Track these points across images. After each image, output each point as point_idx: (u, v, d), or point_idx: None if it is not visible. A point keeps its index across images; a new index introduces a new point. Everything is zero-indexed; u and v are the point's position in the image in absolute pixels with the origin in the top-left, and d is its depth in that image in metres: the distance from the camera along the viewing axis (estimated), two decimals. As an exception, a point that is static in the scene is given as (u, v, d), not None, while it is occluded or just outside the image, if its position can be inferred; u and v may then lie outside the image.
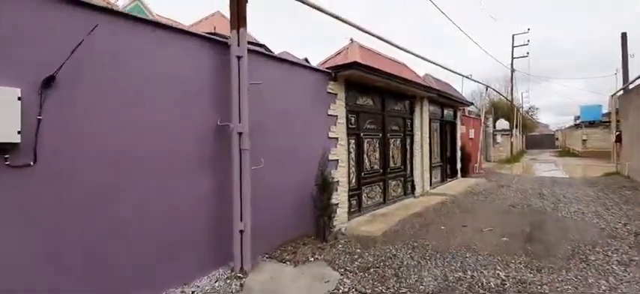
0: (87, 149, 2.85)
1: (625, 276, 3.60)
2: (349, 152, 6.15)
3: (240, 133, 3.82)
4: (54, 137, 2.70)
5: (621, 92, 13.37)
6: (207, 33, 4.14)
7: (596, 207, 6.95)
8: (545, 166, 18.56)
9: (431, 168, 9.44)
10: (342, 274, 3.77)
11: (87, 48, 2.84)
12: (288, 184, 4.76)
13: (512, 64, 26.48)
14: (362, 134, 6.54)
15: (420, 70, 11.35)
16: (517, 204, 7.38)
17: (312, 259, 4.24)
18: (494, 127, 25.25)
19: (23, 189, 2.54)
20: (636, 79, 11.20)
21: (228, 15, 7.92)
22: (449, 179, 11.14)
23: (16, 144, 2.49)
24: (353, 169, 6.28)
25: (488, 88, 18.64)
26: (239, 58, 3.86)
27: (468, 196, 8.44)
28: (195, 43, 3.68)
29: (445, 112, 10.99)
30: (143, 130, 3.20)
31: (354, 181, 6.30)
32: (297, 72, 4.99)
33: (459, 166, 12.13)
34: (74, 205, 2.78)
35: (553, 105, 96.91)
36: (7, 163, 2.47)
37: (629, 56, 13.30)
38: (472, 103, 13.17)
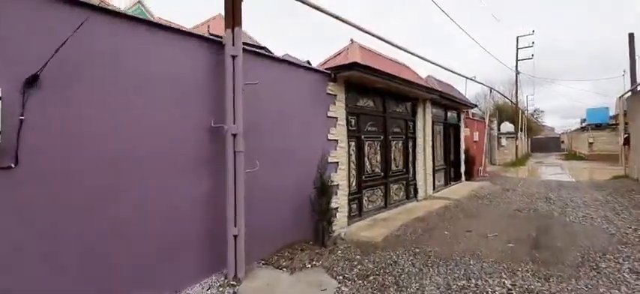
0: (74, 151, 2.75)
1: (637, 285, 3.40)
2: (349, 155, 6.00)
3: (234, 135, 3.69)
4: (39, 138, 2.59)
5: (629, 94, 13.09)
6: (207, 34, 4.04)
7: (605, 211, 6.73)
8: (551, 170, 18.26)
9: (434, 171, 9.25)
10: (340, 282, 3.61)
11: (78, 47, 2.75)
12: (285, 187, 4.63)
13: (516, 66, 26.22)
14: (363, 136, 6.39)
15: (422, 71, 11.21)
16: (523, 208, 7.18)
17: (310, 265, 4.08)
18: (499, 129, 24.94)
19: (3, 191, 2.43)
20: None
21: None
22: (452, 183, 10.93)
23: (-7, 145, 2.39)
24: (353, 172, 6.13)
25: (493, 90, 18.41)
26: (234, 57, 3.75)
27: (473, 200, 8.24)
28: (188, 42, 3.58)
29: (448, 114, 10.81)
30: (133, 131, 3.09)
31: (354, 184, 6.14)
32: (294, 72, 4.87)
33: (462, 169, 11.92)
34: (62, 208, 2.67)
35: (558, 108, 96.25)
36: (-17, 165, 2.36)
37: (637, 57, 13.02)
38: (476, 105, 12.98)
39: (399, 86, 6.68)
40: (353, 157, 6.11)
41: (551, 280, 3.56)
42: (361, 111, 6.35)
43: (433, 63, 8.84)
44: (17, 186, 2.49)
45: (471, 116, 15.92)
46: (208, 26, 6.23)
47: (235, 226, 3.65)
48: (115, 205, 2.95)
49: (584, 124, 29.70)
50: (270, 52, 5.44)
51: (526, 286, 3.42)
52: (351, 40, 7.05)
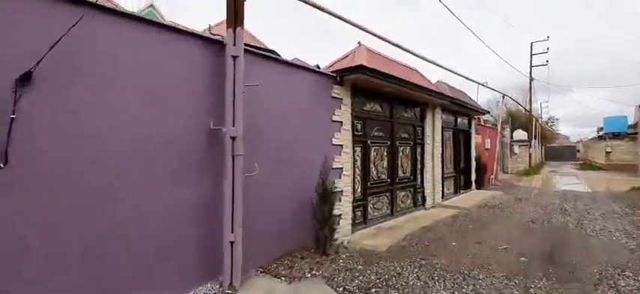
0: (66, 151, 2.66)
1: (663, 308, 3.14)
2: (355, 160, 5.83)
3: (233, 138, 3.57)
4: (31, 138, 2.52)
5: (650, 102, 12.55)
6: (208, 33, 3.96)
7: (624, 225, 6.39)
8: (566, 179, 17.67)
9: (443, 179, 8.99)
10: (339, 294, 3.44)
11: (73, 45, 2.68)
12: (286, 192, 4.49)
13: (531, 72, 25.63)
14: (369, 141, 6.22)
15: (432, 76, 10.98)
16: (537, 220, 6.87)
17: (310, 274, 3.92)
18: (512, 137, 24.35)
19: (-12, 193, 2.36)
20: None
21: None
22: (462, 191, 10.62)
23: (-21, 145, 2.32)
24: (358, 178, 5.95)
25: (505, 97, 17.97)
26: (234, 58, 3.64)
27: (483, 210, 7.95)
28: (188, 42, 3.49)
29: (459, 120, 10.54)
30: (128, 132, 3.00)
31: (359, 190, 5.97)
32: (298, 75, 4.75)
33: (473, 177, 11.59)
34: (51, 210, 2.58)
35: (573, 116, 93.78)
36: (-32, 164, 2.29)
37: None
38: (488, 112, 12.63)
39: (408, 91, 6.50)
40: (358, 163, 5.95)
41: (566, 299, 3.32)
42: (368, 116, 6.19)
43: (443, 67, 8.62)
44: (6, 187, 2.41)
45: (482, 123, 15.55)
46: (209, 25, 6.16)
47: (232, 232, 3.52)
48: (107, 207, 2.85)
49: (601, 133, 28.78)
50: (277, 54, 5.34)
51: (539, 306, 3.19)
52: (359, 43, 6.91)
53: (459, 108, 9.69)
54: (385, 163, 6.68)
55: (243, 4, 3.77)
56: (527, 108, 26.81)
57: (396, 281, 3.74)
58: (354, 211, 5.71)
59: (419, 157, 7.91)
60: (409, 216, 7.03)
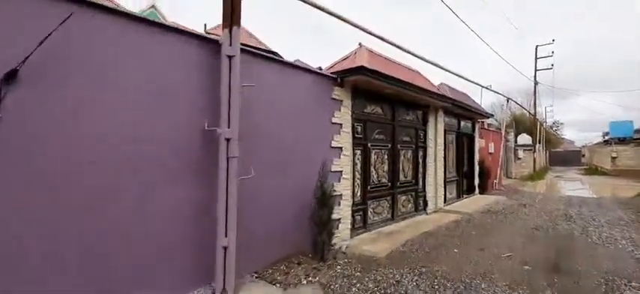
0: (52, 153, 2.58)
1: (674, 322, 3.00)
2: (354, 163, 5.72)
3: (228, 139, 3.48)
4: (16, 138, 2.44)
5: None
6: (204, 32, 3.87)
7: (630, 232, 6.22)
8: (571, 185, 17.42)
9: (445, 183, 8.84)
10: (335, 302, 3.33)
11: (62, 44, 2.60)
12: (284, 195, 4.39)
13: (535, 76, 25.40)
14: (369, 144, 6.10)
15: (436, 79, 10.84)
16: (541, 226, 6.71)
17: (306, 281, 3.81)
18: (516, 141, 24.10)
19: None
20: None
21: (243, 23, 7.82)
22: (465, 196, 10.46)
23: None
24: (358, 181, 5.84)
25: (510, 101, 17.77)
26: (230, 58, 3.55)
27: (486, 216, 7.80)
28: (183, 41, 3.40)
29: (462, 123, 10.39)
30: (119, 132, 2.92)
31: (359, 194, 5.85)
32: (297, 75, 4.65)
33: (476, 181, 11.42)
34: (36, 215, 2.49)
35: (578, 120, 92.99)
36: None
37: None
38: (492, 115, 12.46)
39: (409, 93, 6.38)
40: (358, 166, 5.83)
41: (572, 311, 3.19)
42: (368, 118, 6.08)
43: (446, 70, 8.50)
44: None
45: (486, 127, 15.38)
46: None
47: (226, 236, 3.42)
48: (94, 210, 2.76)
49: (606, 138, 28.45)
50: (279, 56, 5.25)
51: (544, 318, 3.05)
52: (360, 44, 6.81)
53: (462, 111, 9.55)
54: (386, 167, 6.56)
55: (240, 2, 3.69)
56: (532, 112, 26.56)
57: (395, 289, 3.62)
58: (353, 216, 5.59)
59: (421, 161, 7.77)
60: (410, 221, 6.89)
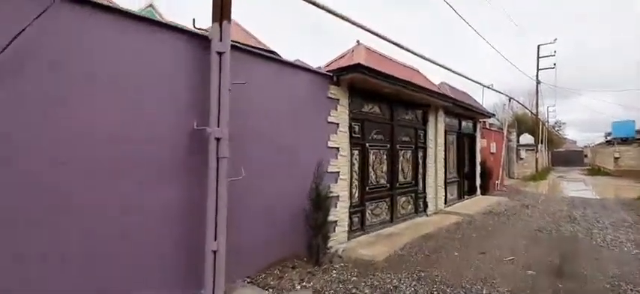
0: (23, 152, 2.43)
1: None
2: (352, 164, 5.57)
3: (218, 139, 3.34)
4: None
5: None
6: (192, 27, 3.73)
7: (635, 235, 6.06)
8: (574, 185, 17.21)
9: (446, 184, 8.67)
10: (329, 310, 3.18)
11: (37, 36, 2.47)
12: (278, 197, 4.25)
13: (537, 75, 25.17)
14: (367, 145, 5.95)
15: (436, 78, 10.65)
16: (544, 228, 6.55)
17: (299, 286, 3.66)
18: (518, 141, 23.87)
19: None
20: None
21: (240, 22, 7.68)
22: (466, 197, 10.29)
23: None
24: (356, 182, 5.69)
25: (512, 100, 17.58)
26: (220, 54, 3.41)
27: (488, 217, 7.63)
28: (171, 36, 3.27)
29: (463, 123, 10.22)
30: (99, 132, 2.78)
31: (357, 196, 5.70)
32: (292, 73, 4.51)
33: (478, 182, 11.25)
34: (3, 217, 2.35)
35: (580, 120, 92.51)
36: None
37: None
38: (493, 115, 12.27)
39: (408, 92, 6.22)
40: (356, 167, 5.68)
41: (578, 320, 3.03)
42: (366, 117, 5.92)
43: (446, 68, 8.33)
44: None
45: (487, 126, 15.20)
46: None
47: (215, 240, 3.27)
48: (72, 213, 2.62)
49: (609, 138, 28.19)
50: (277, 55, 5.10)
51: (548, 327, 2.90)
52: (358, 42, 6.66)
53: (463, 110, 9.38)
54: (385, 167, 6.41)
55: (230, -3, 3.55)
56: (534, 112, 26.34)
57: (392, 295, 3.47)
58: (350, 218, 5.44)
59: (421, 161, 7.61)
60: (410, 223, 6.74)
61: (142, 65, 3.04)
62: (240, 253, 3.72)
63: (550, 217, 7.77)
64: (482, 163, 11.62)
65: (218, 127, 3.35)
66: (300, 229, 4.40)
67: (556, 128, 45.63)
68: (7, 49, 2.32)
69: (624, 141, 24.95)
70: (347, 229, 5.31)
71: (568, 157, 44.00)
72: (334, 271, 4.10)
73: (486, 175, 11.75)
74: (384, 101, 6.37)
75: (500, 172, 14.57)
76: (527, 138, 25.09)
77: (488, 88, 13.09)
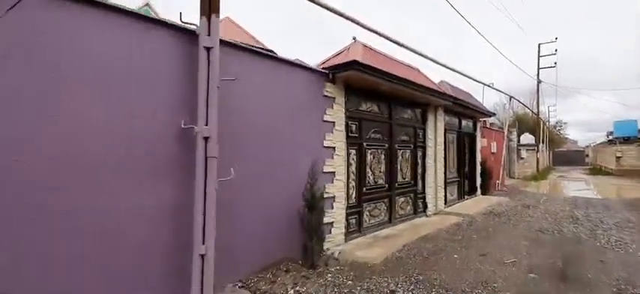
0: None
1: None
2: (349, 164, 5.42)
3: (206, 138, 3.19)
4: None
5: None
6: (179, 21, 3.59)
7: (640, 236, 5.91)
8: (575, 185, 17.05)
9: (446, 184, 8.52)
10: (322, 316, 3.04)
11: (15, 28, 2.34)
12: (271, 199, 4.11)
13: (538, 74, 24.99)
14: (365, 144, 5.80)
15: (435, 76, 10.52)
16: (546, 229, 6.39)
17: (292, 291, 3.52)
18: (519, 141, 23.69)
19: None
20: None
21: (237, 21, 7.54)
22: (467, 197, 10.13)
23: None
24: (353, 182, 5.54)
25: (512, 99, 17.42)
26: (208, 49, 3.27)
27: (488, 218, 7.47)
28: (156, 30, 3.13)
29: (463, 122, 10.07)
30: (79, 129, 2.64)
31: (354, 196, 5.55)
32: (285, 71, 4.37)
33: (478, 182, 11.09)
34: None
35: (582, 120, 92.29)
36: None
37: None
38: (494, 114, 12.11)
39: (407, 90, 6.08)
40: (353, 167, 5.53)
41: (584, 326, 2.88)
42: (363, 116, 5.78)
43: (446, 67, 8.19)
44: None
45: (488, 126, 15.05)
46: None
47: (203, 243, 3.13)
48: (51, 216, 2.49)
49: (611, 138, 28.00)
50: (273, 53, 4.96)
51: (552, 335, 2.75)
52: (354, 39, 6.51)
53: (462, 109, 9.23)
54: (383, 167, 6.26)
55: (219, -11, 3.41)
56: (535, 111, 26.17)
57: (389, 301, 3.33)
58: (347, 219, 5.29)
59: (420, 161, 7.46)
60: (409, 224, 6.59)
61: (125, 61, 2.90)
62: (231, 257, 3.59)
63: (552, 217, 7.61)
64: (483, 163, 11.47)
65: (206, 125, 3.21)
66: (295, 230, 4.26)
67: (557, 128, 45.40)
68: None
69: (626, 140, 24.77)
70: (344, 230, 5.16)
71: (569, 157, 43.81)
72: (329, 275, 3.95)
73: (487, 174, 11.60)
74: (382, 99, 6.22)
75: (501, 172, 14.42)
76: (528, 138, 24.91)
77: (489, 86, 12.95)
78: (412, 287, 3.64)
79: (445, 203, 8.36)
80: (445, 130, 8.49)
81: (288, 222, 4.25)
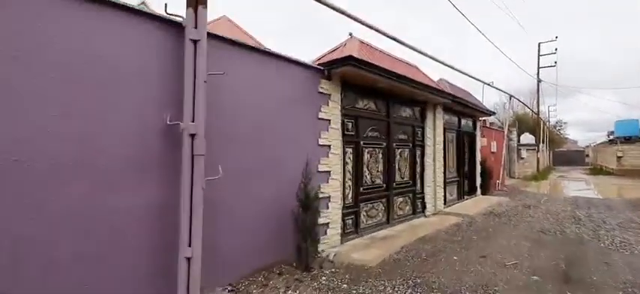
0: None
1: None
2: (345, 163, 5.27)
3: (192, 135, 3.05)
4: None
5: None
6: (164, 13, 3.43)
7: (645, 236, 5.75)
8: (576, 185, 16.89)
9: (445, 184, 8.36)
10: (314, 322, 2.88)
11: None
12: (263, 199, 3.96)
13: (538, 73, 24.86)
14: (362, 142, 5.65)
15: (435, 75, 10.38)
16: (548, 230, 6.23)
17: (284, 295, 3.37)
18: (519, 141, 23.54)
19: None
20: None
21: (234, 19, 7.39)
22: (466, 197, 9.97)
23: None
24: (349, 182, 5.39)
25: (512, 98, 17.27)
26: (195, 42, 3.13)
27: (489, 218, 7.32)
28: (139, 21, 2.98)
29: (463, 121, 9.92)
30: (56, 126, 2.49)
31: (350, 196, 5.40)
32: (278, 66, 4.22)
33: (478, 182, 10.94)
34: None
35: (582, 120, 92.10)
36: None
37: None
38: (494, 113, 11.96)
39: (404, 87, 5.92)
40: (349, 166, 5.38)
41: (590, 333, 2.73)
42: (360, 114, 5.62)
43: (445, 64, 8.06)
44: None
45: (488, 125, 14.90)
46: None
47: (189, 246, 2.98)
48: (20, 219, 2.33)
49: (611, 137, 27.84)
50: (266, 48, 4.81)
51: (557, 342, 2.60)
52: (350, 34, 6.36)
53: (462, 108, 9.08)
54: (380, 166, 6.10)
55: (207, -21, 3.26)
56: (535, 110, 26.03)
57: (385, 305, 3.17)
58: (343, 220, 5.14)
59: (418, 160, 7.31)
60: (407, 224, 6.43)
61: (107, 54, 2.75)
62: (221, 259, 3.45)
63: (554, 217, 7.46)
64: (483, 163, 11.32)
65: (193, 122, 3.06)
66: (289, 232, 4.11)
67: (557, 128, 45.24)
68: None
69: (627, 140, 24.61)
70: (340, 231, 5.01)
71: (569, 157, 43.66)
72: (324, 278, 3.80)
73: (487, 174, 11.45)
74: (380, 97, 6.07)
75: (501, 172, 14.27)
76: (528, 138, 24.75)
77: (489, 85, 12.80)
78: (410, 291, 3.48)
79: (444, 203, 8.20)
80: (444, 128, 8.34)
81: (282, 223, 4.10)
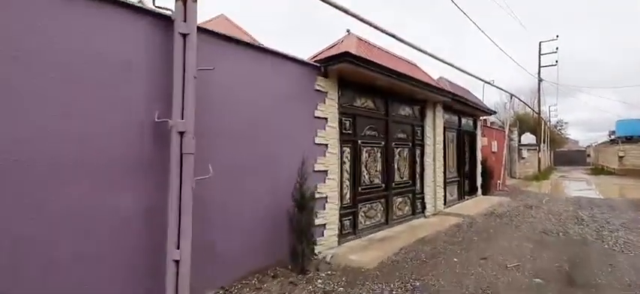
0: None
1: None
2: (343, 162, 5.15)
3: (181, 133, 2.93)
4: None
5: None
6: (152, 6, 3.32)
7: (650, 237, 5.62)
8: (578, 185, 16.74)
9: (445, 184, 8.23)
10: (308, 328, 2.76)
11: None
12: (258, 199, 3.85)
13: (539, 73, 24.72)
14: (360, 141, 5.53)
15: (434, 73, 10.25)
16: (550, 231, 6.10)
17: (278, 299, 3.25)
18: (520, 141, 23.39)
19: None
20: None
21: (233, 18, 7.28)
22: (467, 197, 9.84)
23: None
24: (347, 182, 5.27)
25: (513, 98, 17.14)
26: (184, 36, 3.02)
27: (489, 219, 7.18)
28: (126, 14, 2.86)
29: (463, 120, 9.79)
30: (39, 123, 2.37)
31: (348, 197, 5.27)
32: (273, 62, 4.10)
33: (479, 182, 10.80)
34: None
35: (583, 120, 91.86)
36: None
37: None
38: (495, 112, 11.84)
39: (404, 85, 5.80)
40: (347, 165, 5.26)
41: (597, 339, 2.60)
42: (358, 112, 5.51)
43: (445, 62, 7.93)
44: None
45: (489, 125, 14.78)
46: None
47: (178, 248, 2.86)
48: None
49: (613, 137, 27.67)
50: (260, 44, 4.70)
51: (562, 349, 2.47)
52: (348, 31, 6.24)
53: (462, 107, 8.95)
54: (379, 166, 5.98)
55: (197, -28, 3.14)
56: (536, 110, 25.88)
57: (382, 309, 3.05)
58: (341, 220, 5.01)
59: (418, 160, 7.18)
60: (406, 225, 6.31)
61: (92, 48, 2.64)
62: (212, 261, 3.33)
63: (556, 218, 7.32)
64: (483, 162, 11.18)
65: (182, 119, 2.95)
66: (284, 233, 3.99)
67: (558, 128, 45.02)
68: None
69: (629, 139, 24.44)
70: (337, 232, 4.89)
71: (570, 157, 43.49)
72: (319, 281, 3.68)
73: (487, 174, 11.31)
74: (378, 95, 5.95)
75: (502, 172, 14.13)
76: (529, 138, 24.60)
77: (489, 83, 12.69)
78: (408, 294, 3.36)
79: (444, 203, 8.07)
80: (444, 128, 8.21)
81: (277, 224, 3.98)
